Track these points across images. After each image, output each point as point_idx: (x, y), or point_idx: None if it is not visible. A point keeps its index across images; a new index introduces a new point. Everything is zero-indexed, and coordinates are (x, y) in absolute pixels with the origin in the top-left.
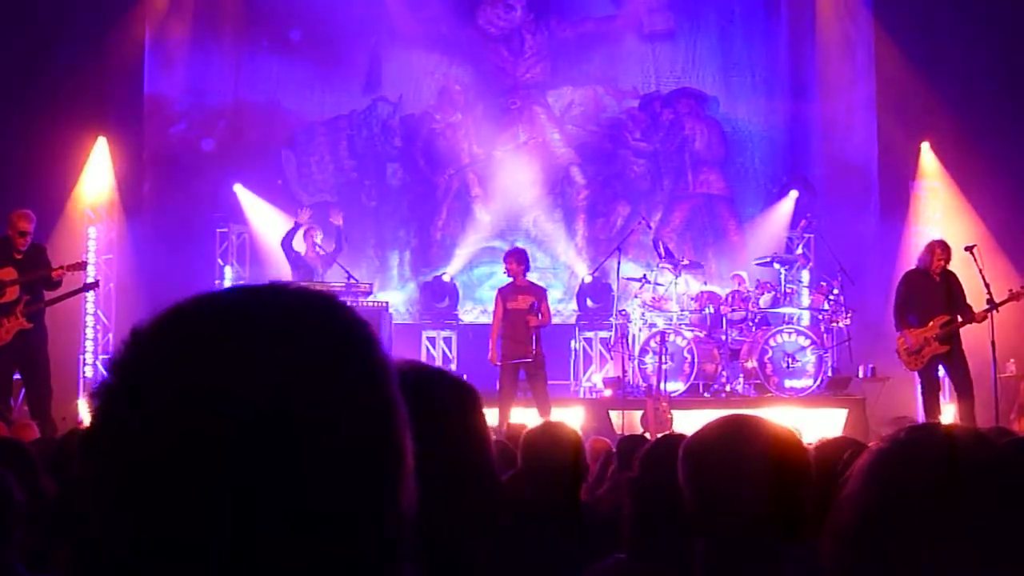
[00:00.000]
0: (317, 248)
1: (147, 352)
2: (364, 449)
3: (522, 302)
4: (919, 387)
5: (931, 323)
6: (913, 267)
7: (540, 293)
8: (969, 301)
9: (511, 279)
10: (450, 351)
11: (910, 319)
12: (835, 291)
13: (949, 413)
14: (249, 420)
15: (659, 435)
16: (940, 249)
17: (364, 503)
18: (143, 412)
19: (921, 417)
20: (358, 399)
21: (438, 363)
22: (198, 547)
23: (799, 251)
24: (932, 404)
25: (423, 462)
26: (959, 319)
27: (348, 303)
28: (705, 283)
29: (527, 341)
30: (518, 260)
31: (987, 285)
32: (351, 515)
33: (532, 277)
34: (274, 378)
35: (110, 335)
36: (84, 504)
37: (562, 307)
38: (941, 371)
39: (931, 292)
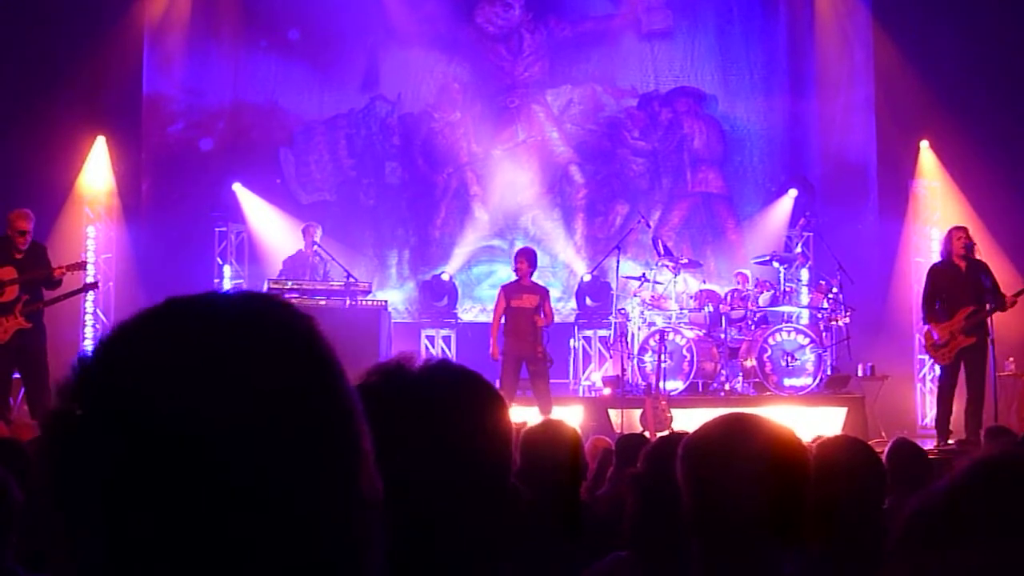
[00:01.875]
0: (315, 247)
1: (108, 362)
2: (315, 443)
3: (527, 301)
4: (919, 383)
5: (957, 315)
6: (938, 260)
7: (543, 293)
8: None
9: (517, 277)
10: (449, 350)
11: (937, 311)
12: (834, 289)
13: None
14: (200, 421)
15: (663, 433)
16: (956, 230)
17: (318, 498)
18: (104, 421)
19: (919, 417)
20: (304, 394)
21: None
22: (157, 549)
23: (798, 250)
24: (946, 399)
25: (440, 461)
26: (988, 307)
27: (290, 302)
28: (704, 282)
29: (530, 340)
30: (529, 260)
31: None
32: (307, 510)
33: (532, 276)
34: (218, 380)
35: None
36: (48, 510)
37: (561, 306)
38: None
39: (957, 283)
